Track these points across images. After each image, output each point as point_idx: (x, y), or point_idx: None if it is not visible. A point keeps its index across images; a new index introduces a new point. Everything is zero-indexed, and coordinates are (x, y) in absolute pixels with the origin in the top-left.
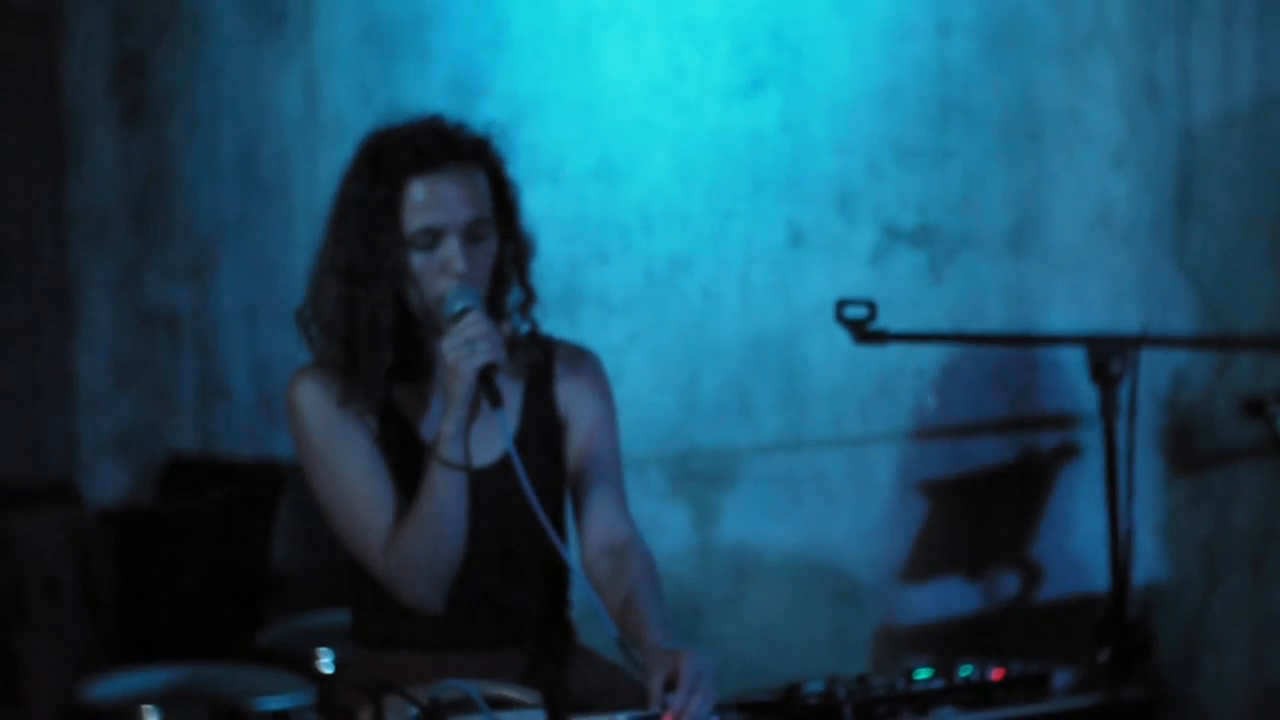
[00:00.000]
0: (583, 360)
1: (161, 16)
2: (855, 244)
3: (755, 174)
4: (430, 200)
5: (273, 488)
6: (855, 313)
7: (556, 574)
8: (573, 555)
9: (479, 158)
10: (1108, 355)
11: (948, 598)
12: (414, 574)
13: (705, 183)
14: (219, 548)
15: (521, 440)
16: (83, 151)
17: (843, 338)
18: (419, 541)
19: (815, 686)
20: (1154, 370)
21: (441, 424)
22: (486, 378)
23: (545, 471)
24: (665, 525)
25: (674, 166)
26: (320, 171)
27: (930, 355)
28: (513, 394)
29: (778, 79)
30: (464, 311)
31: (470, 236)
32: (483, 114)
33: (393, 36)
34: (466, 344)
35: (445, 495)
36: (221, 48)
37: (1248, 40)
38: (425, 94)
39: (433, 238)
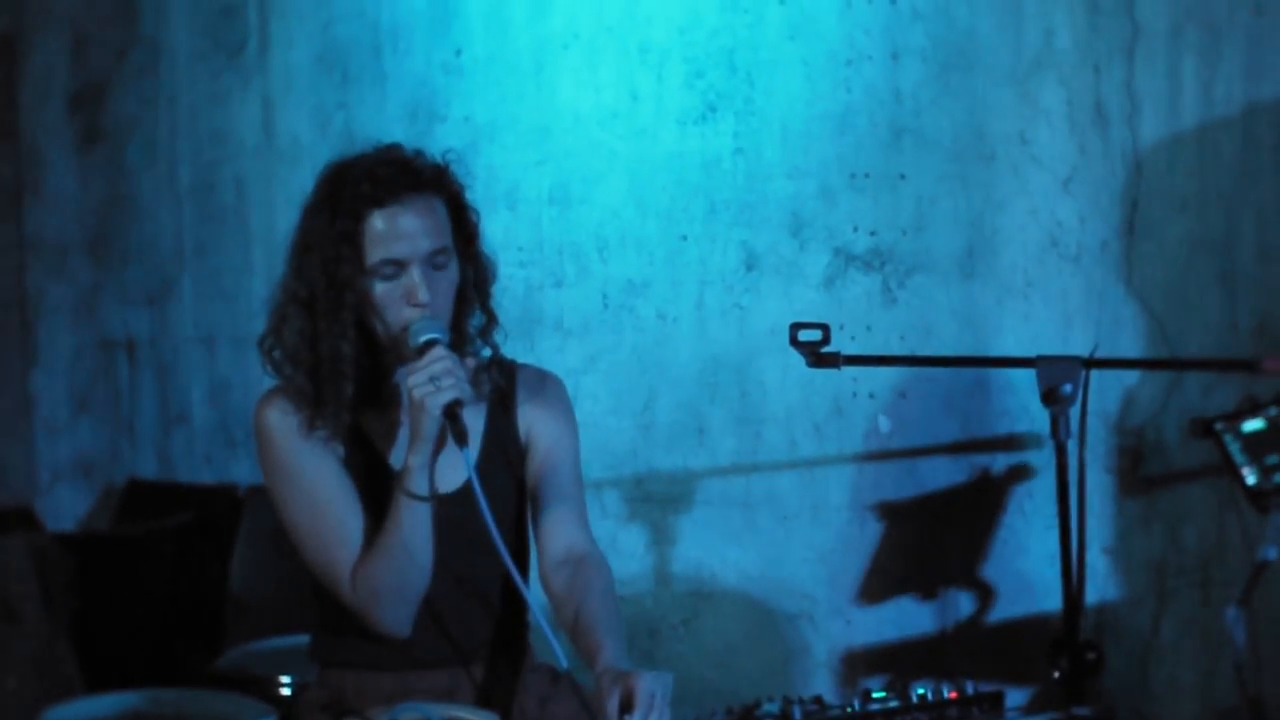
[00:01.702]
0: (545, 384)
1: (119, 44)
2: (808, 267)
3: (709, 198)
4: (391, 232)
5: (231, 512)
6: (809, 336)
7: (515, 595)
8: (533, 594)
9: (438, 186)
10: (1058, 377)
11: (902, 619)
12: (382, 602)
13: (660, 207)
14: (178, 572)
15: (484, 464)
16: (41, 179)
17: (797, 361)
18: (386, 571)
19: (771, 707)
20: (1104, 392)
21: (408, 458)
22: (452, 414)
23: (507, 495)
24: (622, 548)
25: (629, 191)
26: (278, 197)
27: (883, 378)
28: (475, 418)
29: (731, 104)
30: (429, 344)
31: (432, 265)
32: (439, 139)
33: (349, 63)
34: (432, 380)
35: (411, 527)
36: (179, 74)
37: (1192, 65)
38: (382, 119)
39: (395, 268)
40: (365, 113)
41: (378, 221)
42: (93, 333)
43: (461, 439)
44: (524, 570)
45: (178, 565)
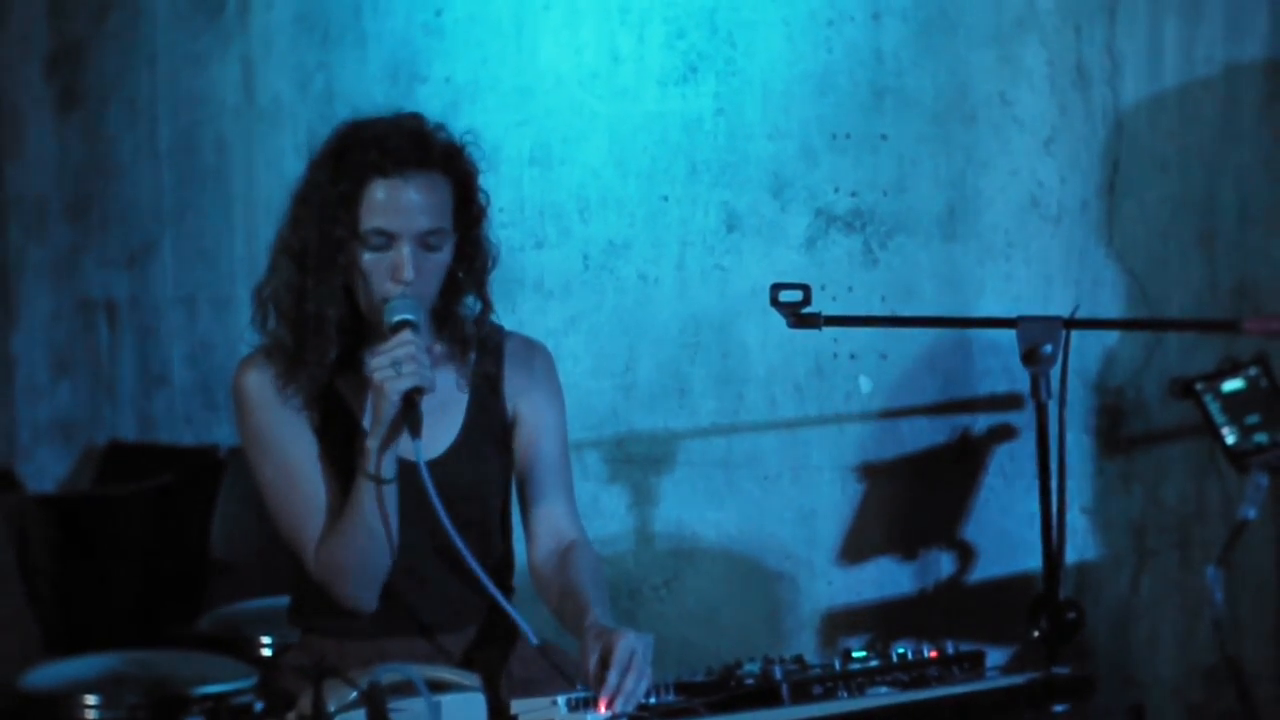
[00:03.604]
0: (533, 356)
1: (98, 4)
2: (790, 228)
3: (690, 159)
4: (389, 203)
5: (212, 473)
6: (790, 296)
7: (499, 565)
8: (500, 580)
9: (447, 166)
10: (1038, 337)
11: (883, 579)
12: (343, 578)
13: (641, 168)
14: (158, 533)
15: (469, 435)
16: (19, 139)
17: (778, 321)
18: (347, 549)
19: (752, 667)
20: (1084, 352)
21: (366, 440)
22: (410, 401)
23: (492, 465)
24: (603, 509)
25: (610, 152)
26: (258, 157)
27: (864, 338)
28: (461, 390)
29: (712, 64)
30: (400, 325)
31: (423, 245)
32: (420, 100)
33: (329, 23)
34: (394, 365)
35: (371, 507)
36: (158, 35)
37: (1173, 25)
38: (362, 80)
39: (385, 240)
40: (346, 73)
41: (378, 190)
42: (72, 294)
43: (415, 429)
44: (507, 540)
45: (158, 526)
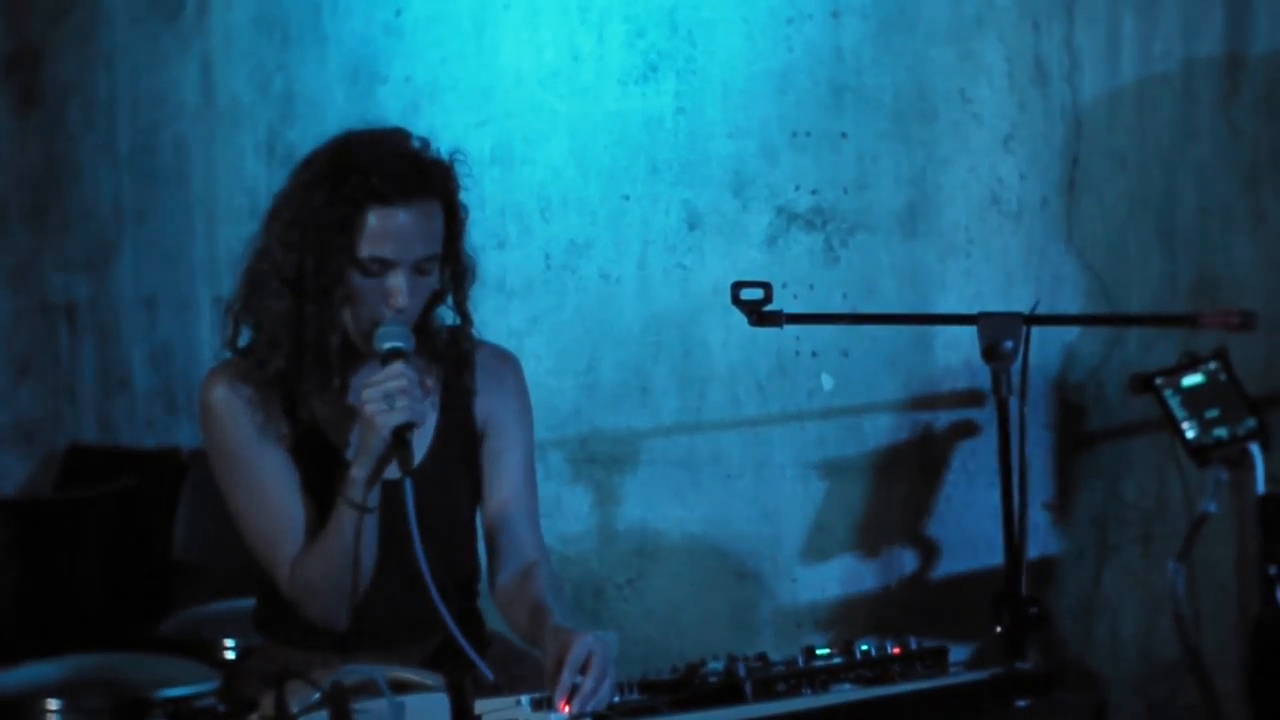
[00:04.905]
0: (505, 369)
1: (56, 5)
2: (750, 226)
3: (651, 158)
4: (387, 232)
5: (174, 476)
6: (751, 294)
7: (465, 573)
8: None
9: (441, 190)
10: (999, 334)
11: (846, 576)
12: (317, 599)
13: (602, 167)
14: (120, 536)
15: (438, 451)
16: None
17: (739, 320)
18: (324, 571)
19: (716, 665)
20: (1045, 348)
21: (351, 469)
22: (401, 438)
23: (461, 481)
24: (566, 508)
25: (571, 151)
26: (218, 159)
27: (826, 336)
28: (431, 405)
29: (673, 63)
30: (392, 353)
31: (417, 271)
32: (380, 100)
33: (289, 23)
34: (386, 398)
35: (351, 534)
36: (117, 37)
37: (1131, 22)
38: (322, 81)
39: (381, 266)
40: (306, 74)
41: (377, 218)
42: (32, 297)
43: (405, 465)
44: (472, 553)
45: (120, 530)
